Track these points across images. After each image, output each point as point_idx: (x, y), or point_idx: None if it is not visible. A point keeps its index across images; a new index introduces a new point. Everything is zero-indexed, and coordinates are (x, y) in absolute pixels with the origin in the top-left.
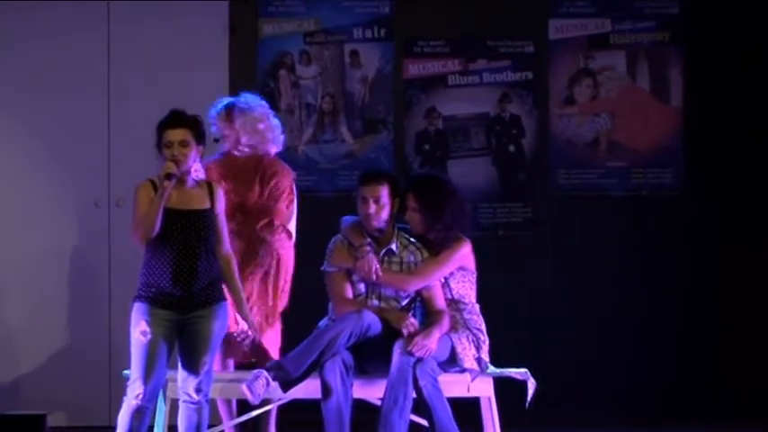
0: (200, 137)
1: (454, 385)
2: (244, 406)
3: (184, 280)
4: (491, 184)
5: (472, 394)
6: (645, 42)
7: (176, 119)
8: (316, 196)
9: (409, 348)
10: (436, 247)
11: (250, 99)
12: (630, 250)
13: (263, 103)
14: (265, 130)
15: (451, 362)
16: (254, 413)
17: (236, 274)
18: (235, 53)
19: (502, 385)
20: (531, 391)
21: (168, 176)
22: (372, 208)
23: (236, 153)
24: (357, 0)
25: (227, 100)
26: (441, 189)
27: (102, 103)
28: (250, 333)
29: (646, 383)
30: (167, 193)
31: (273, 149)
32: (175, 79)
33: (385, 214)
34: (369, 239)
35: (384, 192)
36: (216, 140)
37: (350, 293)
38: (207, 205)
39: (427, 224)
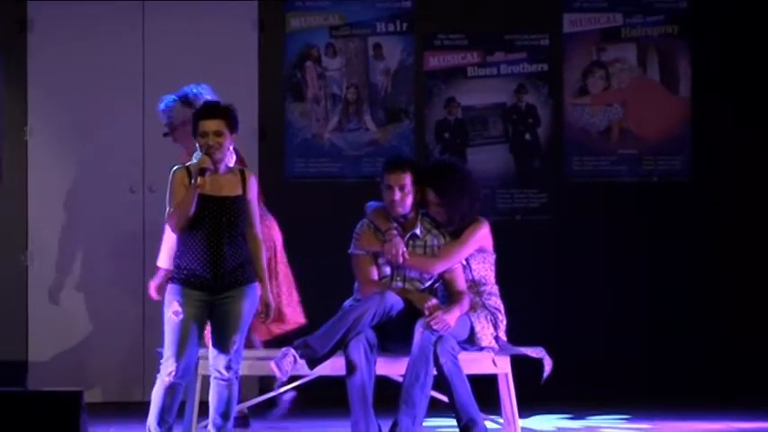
0: (233, 126)
1: (473, 363)
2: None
3: (214, 263)
4: (508, 170)
5: (490, 371)
6: (655, 35)
7: (211, 109)
8: (341, 182)
9: (428, 320)
10: (457, 232)
11: (202, 89)
12: (641, 233)
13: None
14: None
15: (470, 340)
16: (282, 389)
17: (262, 257)
18: (264, 46)
19: (519, 363)
20: (547, 369)
21: (202, 171)
22: (397, 195)
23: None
24: None
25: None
26: (455, 180)
27: (138, 97)
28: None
29: (659, 362)
30: (199, 189)
31: None
32: (207, 71)
33: (409, 201)
34: (395, 224)
35: (408, 179)
36: (165, 135)
37: (375, 275)
38: (239, 192)
39: (449, 217)
